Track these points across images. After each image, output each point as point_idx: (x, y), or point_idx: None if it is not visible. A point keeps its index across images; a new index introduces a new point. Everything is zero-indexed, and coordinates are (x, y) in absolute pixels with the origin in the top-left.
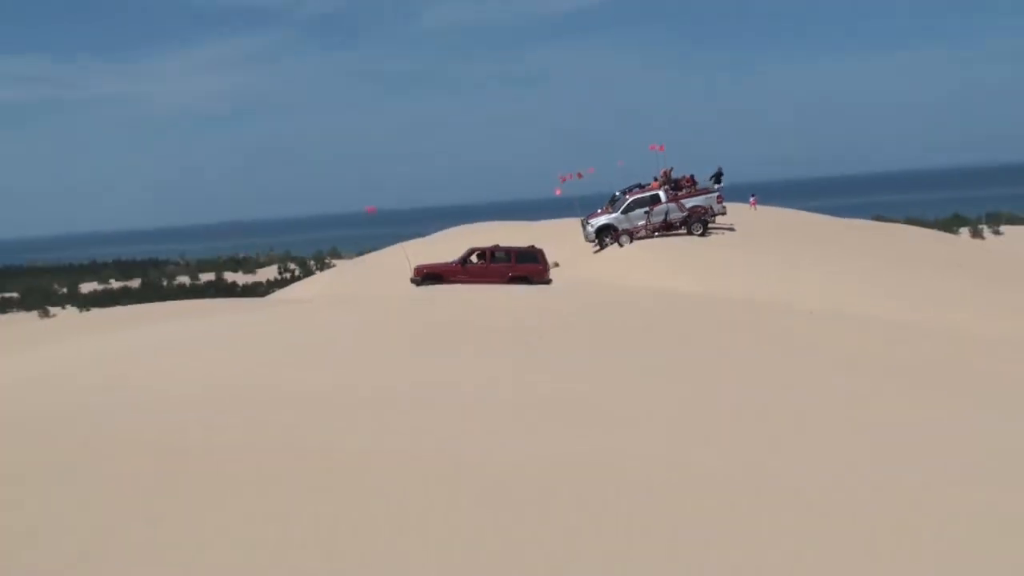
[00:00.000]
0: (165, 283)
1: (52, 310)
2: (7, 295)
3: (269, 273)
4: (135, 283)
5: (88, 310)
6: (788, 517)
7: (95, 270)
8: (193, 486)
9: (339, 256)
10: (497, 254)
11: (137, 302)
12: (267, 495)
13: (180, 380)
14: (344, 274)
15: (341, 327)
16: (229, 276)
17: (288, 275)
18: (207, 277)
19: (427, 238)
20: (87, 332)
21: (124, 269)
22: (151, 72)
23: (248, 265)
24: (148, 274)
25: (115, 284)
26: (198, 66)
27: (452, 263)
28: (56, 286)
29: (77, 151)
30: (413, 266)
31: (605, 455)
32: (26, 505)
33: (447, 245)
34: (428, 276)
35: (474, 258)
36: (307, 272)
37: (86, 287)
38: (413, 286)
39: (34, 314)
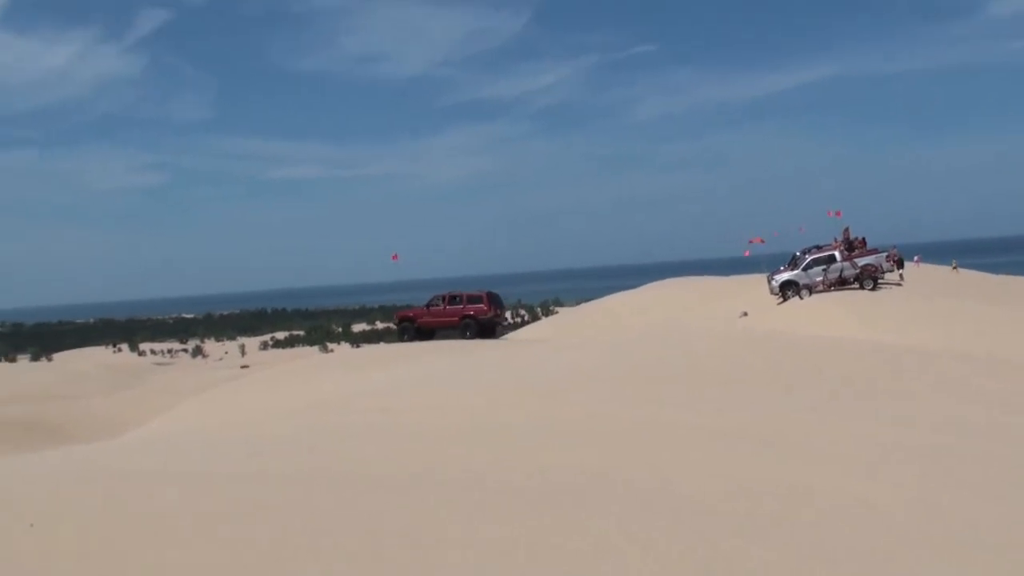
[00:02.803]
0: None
1: (330, 346)
2: (296, 332)
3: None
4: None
5: (358, 346)
6: (962, 555)
7: (364, 314)
8: (454, 511)
9: (561, 304)
10: (454, 298)
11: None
12: (533, 518)
13: (436, 411)
14: (564, 320)
15: (569, 363)
16: None
17: (519, 319)
18: (385, 324)
19: (636, 290)
20: (356, 367)
21: (387, 312)
22: (413, 155)
23: None
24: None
25: (380, 325)
26: (451, 150)
27: (420, 308)
28: (334, 326)
29: (352, 219)
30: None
31: (802, 484)
32: (300, 508)
33: (652, 294)
34: (403, 319)
35: (438, 302)
36: (534, 317)
37: (356, 327)
38: (615, 337)
39: (315, 348)
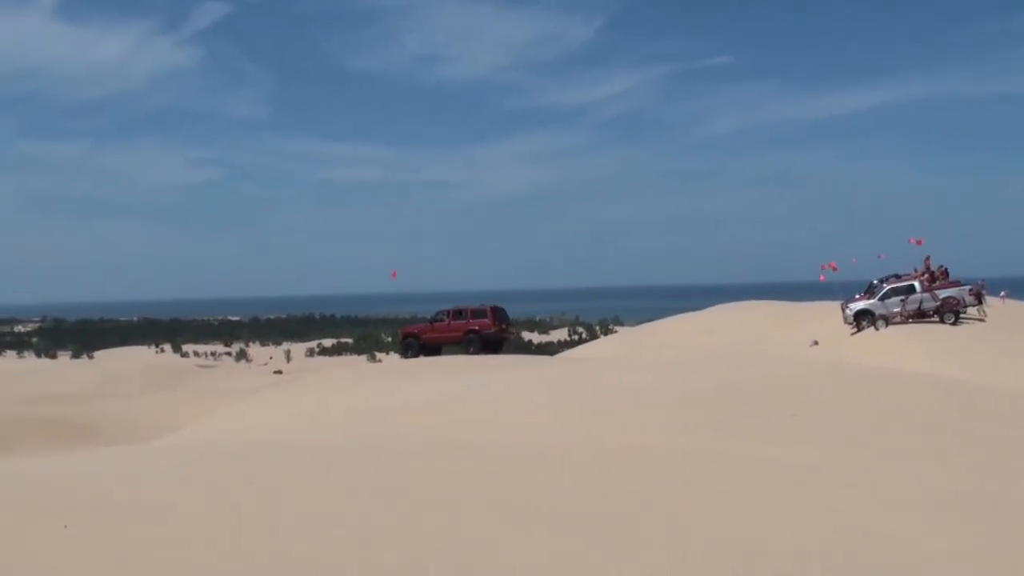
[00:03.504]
0: None
1: (379, 355)
2: (344, 340)
3: (560, 334)
4: None
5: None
6: None
7: (416, 323)
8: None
9: (620, 323)
10: (459, 313)
11: (447, 353)
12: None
13: (486, 428)
14: (625, 339)
15: (629, 385)
16: (526, 334)
17: (576, 337)
18: None
19: (701, 312)
20: (404, 378)
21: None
22: (471, 160)
23: (543, 326)
24: None
25: None
26: (511, 157)
27: (424, 323)
28: (383, 335)
29: (407, 224)
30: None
31: (872, 529)
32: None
33: (718, 317)
34: (407, 335)
35: (442, 317)
36: (592, 335)
37: None
38: (677, 359)
39: (363, 358)
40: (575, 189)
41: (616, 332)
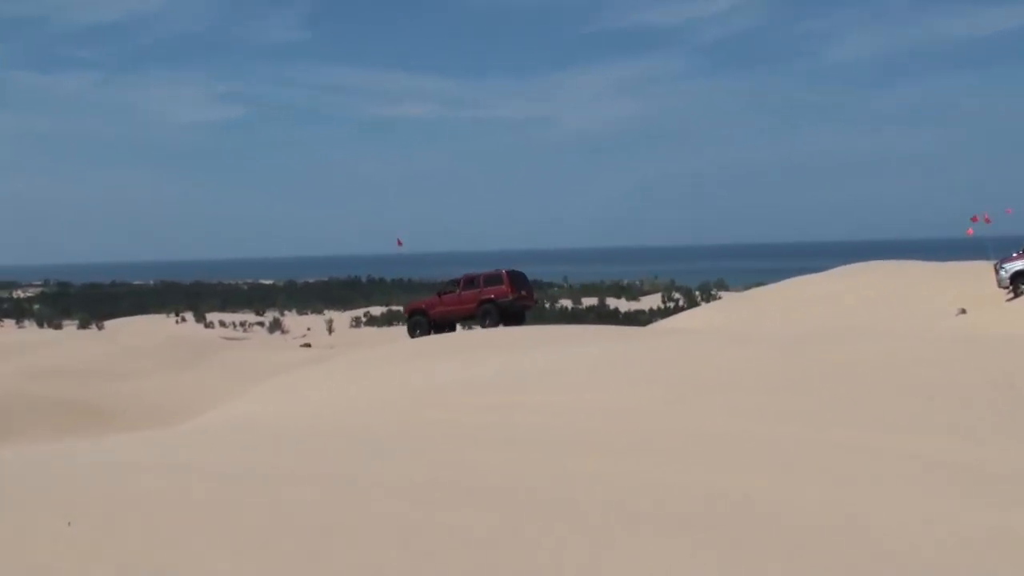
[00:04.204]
0: (547, 305)
1: None
2: (396, 308)
3: (652, 301)
4: None
5: (470, 327)
6: None
7: None
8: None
9: (725, 288)
10: (471, 281)
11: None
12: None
13: (555, 413)
14: (728, 308)
15: (728, 363)
16: (612, 302)
17: (671, 304)
18: (589, 301)
19: (822, 275)
20: (463, 353)
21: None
22: (546, 94)
23: (631, 292)
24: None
25: None
26: (594, 90)
27: (432, 296)
28: None
29: (471, 171)
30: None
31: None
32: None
33: (843, 282)
34: (413, 311)
35: (451, 287)
36: (691, 303)
37: None
38: (790, 332)
39: None
40: (671, 128)
41: (720, 298)
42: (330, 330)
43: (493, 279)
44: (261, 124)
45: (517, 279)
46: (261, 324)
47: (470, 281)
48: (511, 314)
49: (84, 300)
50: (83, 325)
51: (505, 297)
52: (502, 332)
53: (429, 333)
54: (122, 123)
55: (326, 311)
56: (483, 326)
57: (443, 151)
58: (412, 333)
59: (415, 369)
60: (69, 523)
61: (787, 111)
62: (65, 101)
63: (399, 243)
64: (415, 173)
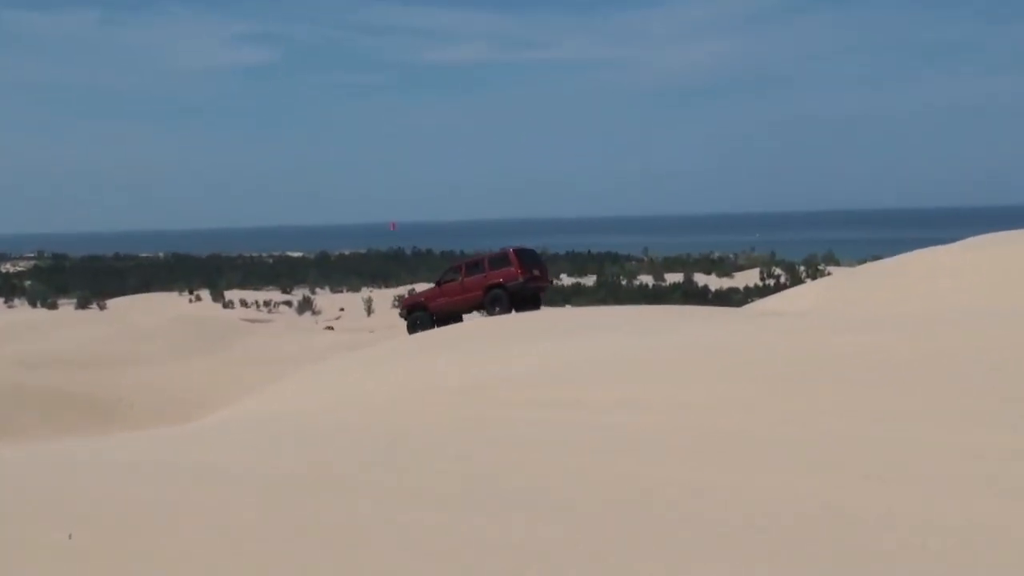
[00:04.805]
0: (624, 282)
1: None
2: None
3: (748, 278)
4: (588, 280)
5: (539, 308)
6: None
7: (550, 261)
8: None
9: (835, 263)
10: (474, 266)
11: (588, 303)
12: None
13: (642, 403)
14: (838, 285)
15: (835, 351)
16: (700, 279)
17: (771, 282)
18: (673, 278)
19: (951, 246)
20: (524, 338)
21: (577, 263)
22: (618, 33)
23: (724, 267)
24: (604, 270)
25: (565, 280)
26: (674, 27)
27: (432, 288)
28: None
29: (529, 121)
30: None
31: None
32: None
33: (977, 255)
34: (412, 307)
35: (451, 275)
36: (795, 279)
37: None
38: (909, 316)
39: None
40: (769, 70)
41: (828, 274)
42: (369, 311)
43: (499, 260)
44: (287, 69)
45: (527, 258)
46: (288, 304)
47: (473, 265)
48: (523, 298)
49: (83, 275)
50: (82, 305)
51: (515, 280)
52: (561, 315)
53: (432, 328)
54: (126, 70)
55: (364, 289)
56: (491, 314)
57: (497, 98)
58: (413, 331)
59: (459, 359)
60: (70, 536)
61: (907, 49)
62: (62, 44)
63: (392, 226)
64: (463, 124)
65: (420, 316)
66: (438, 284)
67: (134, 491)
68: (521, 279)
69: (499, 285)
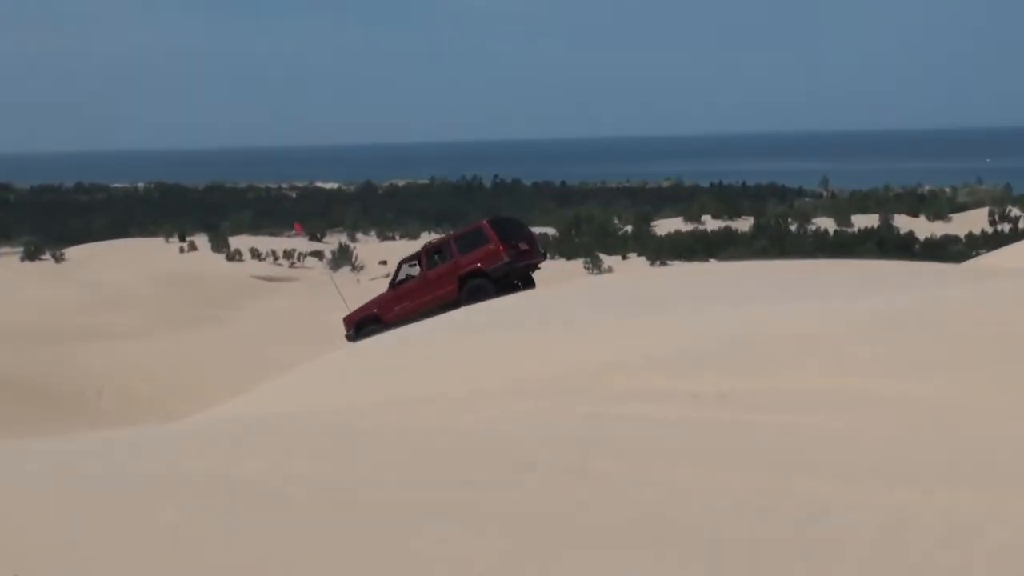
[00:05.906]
0: (794, 226)
1: (605, 260)
2: (537, 230)
3: (971, 221)
4: (742, 224)
5: (662, 263)
6: None
7: (676, 196)
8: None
9: None
10: (434, 252)
11: (742, 256)
12: None
13: (829, 396)
14: None
15: None
16: (902, 222)
17: (1004, 228)
18: (864, 221)
19: None
20: (638, 305)
21: (725, 198)
22: None
23: (936, 206)
24: (765, 209)
25: (709, 224)
26: None
27: (384, 294)
28: (615, 219)
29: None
30: None
31: None
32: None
33: None
34: (360, 323)
35: (405, 272)
36: None
37: (662, 223)
38: None
39: (576, 263)
40: None
41: None
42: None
43: (471, 239)
44: None
45: (508, 229)
46: (318, 255)
47: (435, 251)
48: (516, 280)
49: (35, 213)
50: (30, 255)
51: (498, 261)
52: (705, 272)
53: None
54: None
55: (423, 232)
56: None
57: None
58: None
59: (577, 332)
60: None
61: None
62: None
63: (297, 229)
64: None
65: (371, 330)
66: (392, 286)
67: (109, 511)
68: (506, 259)
69: (478, 272)
